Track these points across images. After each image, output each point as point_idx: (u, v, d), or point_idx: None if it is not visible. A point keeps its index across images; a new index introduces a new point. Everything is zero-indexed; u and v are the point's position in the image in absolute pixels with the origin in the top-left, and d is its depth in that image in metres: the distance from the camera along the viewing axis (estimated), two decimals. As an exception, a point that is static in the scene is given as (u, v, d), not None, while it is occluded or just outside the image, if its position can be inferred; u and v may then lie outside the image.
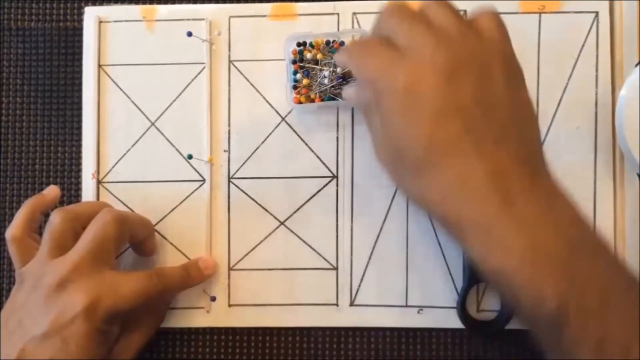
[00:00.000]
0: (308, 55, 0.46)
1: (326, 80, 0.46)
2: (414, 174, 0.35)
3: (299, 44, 0.47)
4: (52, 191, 0.47)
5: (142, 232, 0.46)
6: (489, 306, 0.47)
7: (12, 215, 0.49)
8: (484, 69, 0.35)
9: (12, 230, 0.44)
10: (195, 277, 0.46)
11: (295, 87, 0.47)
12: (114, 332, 0.42)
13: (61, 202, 0.49)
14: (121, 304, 0.41)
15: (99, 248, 0.42)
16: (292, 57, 0.47)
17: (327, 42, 0.47)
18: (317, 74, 0.46)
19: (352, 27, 0.48)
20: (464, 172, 0.33)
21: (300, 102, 0.46)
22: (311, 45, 0.47)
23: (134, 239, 0.46)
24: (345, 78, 0.46)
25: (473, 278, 0.47)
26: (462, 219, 0.33)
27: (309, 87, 0.46)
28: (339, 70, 0.46)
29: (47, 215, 0.46)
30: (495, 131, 0.34)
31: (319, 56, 0.46)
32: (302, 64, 0.46)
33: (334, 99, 0.46)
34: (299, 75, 0.46)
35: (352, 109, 0.48)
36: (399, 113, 0.35)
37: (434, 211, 0.35)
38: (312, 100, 0.46)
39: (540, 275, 0.32)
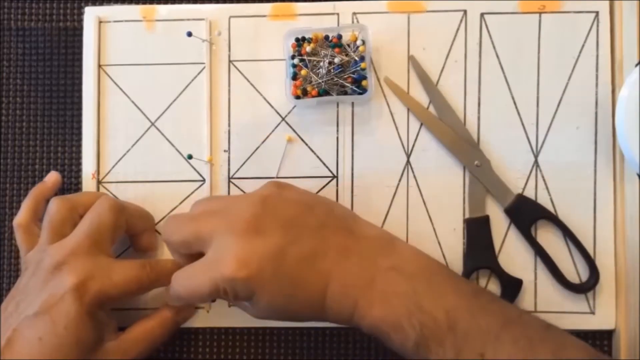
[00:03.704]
0: (307, 49, 0.46)
1: (323, 71, 0.46)
2: (315, 306, 0.40)
3: (297, 39, 0.47)
4: (52, 177, 0.48)
5: (141, 223, 0.47)
6: (489, 306, 0.47)
7: (12, 215, 0.49)
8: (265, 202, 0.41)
9: (18, 218, 0.45)
10: None
11: (294, 78, 0.47)
12: (104, 322, 0.42)
13: (61, 202, 0.50)
14: (111, 288, 0.41)
15: (95, 234, 0.42)
16: (291, 51, 0.47)
17: (326, 37, 0.47)
18: (316, 65, 0.46)
19: (352, 27, 0.49)
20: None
21: (298, 97, 0.46)
22: (309, 40, 0.47)
23: (132, 230, 0.46)
24: (344, 68, 0.46)
25: (471, 277, 0.47)
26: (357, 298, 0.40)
27: (307, 79, 0.46)
28: (337, 60, 0.46)
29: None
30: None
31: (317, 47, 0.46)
32: (301, 57, 0.46)
33: (329, 94, 0.46)
34: (296, 60, 0.46)
35: (352, 108, 0.48)
36: (265, 291, 0.39)
37: (355, 319, 0.40)
38: (310, 93, 0.46)
39: (398, 316, 0.38)
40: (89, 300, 0.40)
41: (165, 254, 0.48)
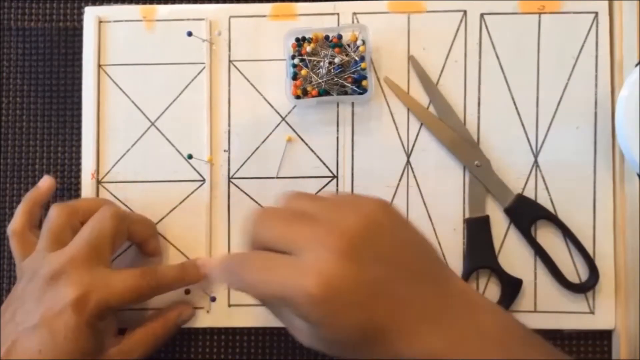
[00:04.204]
0: (307, 49, 0.46)
1: (323, 71, 0.46)
2: (362, 348, 0.34)
3: (297, 39, 0.47)
4: (45, 182, 0.47)
5: (143, 231, 0.46)
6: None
7: (12, 215, 0.49)
8: (378, 232, 0.35)
9: (13, 225, 0.44)
10: (192, 275, 0.45)
11: (294, 78, 0.47)
12: (105, 329, 0.42)
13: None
14: (112, 299, 0.41)
15: (95, 243, 0.42)
16: (291, 51, 0.47)
17: (327, 37, 0.47)
18: (316, 65, 0.46)
19: (352, 27, 0.49)
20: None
21: (299, 97, 0.46)
22: (310, 40, 0.47)
23: (135, 238, 0.46)
24: (344, 68, 0.46)
25: (471, 277, 0.47)
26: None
27: (307, 79, 0.46)
28: (337, 60, 0.46)
29: (47, 210, 0.46)
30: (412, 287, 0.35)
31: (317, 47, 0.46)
32: (301, 57, 0.47)
33: (329, 94, 0.46)
34: (296, 60, 0.46)
35: (352, 108, 0.48)
36: (332, 321, 0.33)
37: None
38: (310, 93, 0.46)
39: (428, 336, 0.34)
40: (89, 312, 0.40)
41: (170, 259, 0.48)
